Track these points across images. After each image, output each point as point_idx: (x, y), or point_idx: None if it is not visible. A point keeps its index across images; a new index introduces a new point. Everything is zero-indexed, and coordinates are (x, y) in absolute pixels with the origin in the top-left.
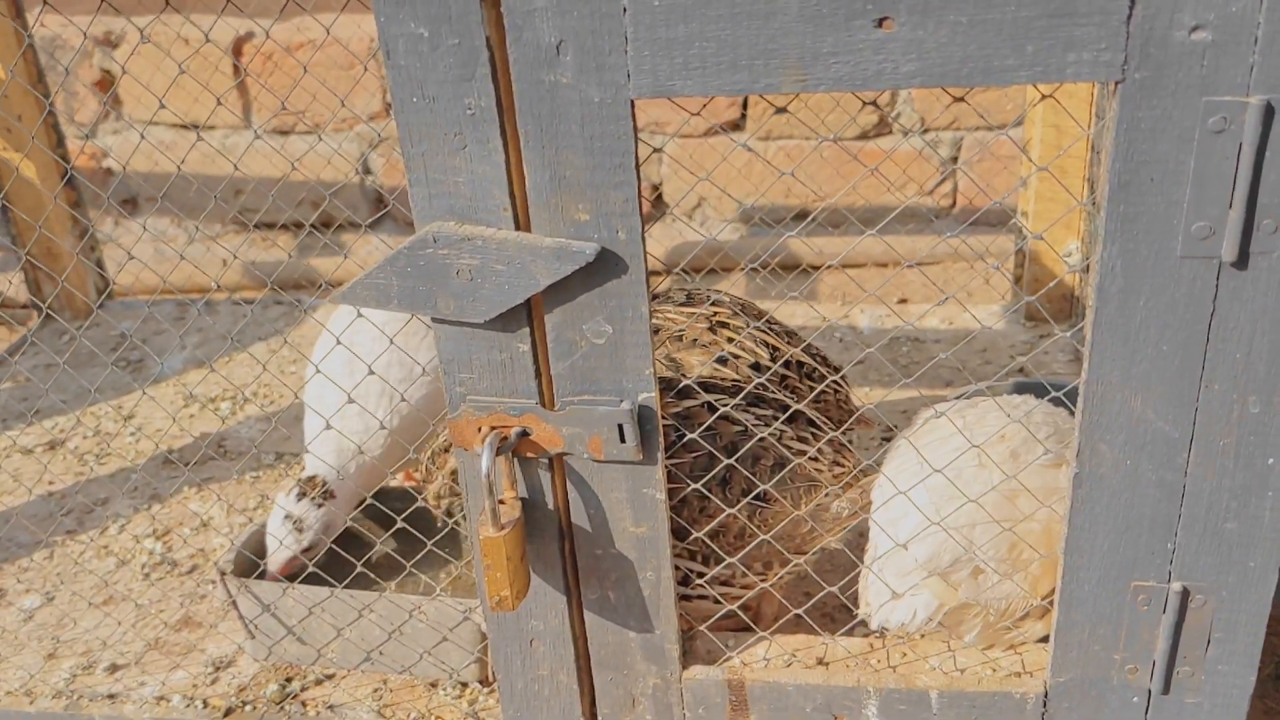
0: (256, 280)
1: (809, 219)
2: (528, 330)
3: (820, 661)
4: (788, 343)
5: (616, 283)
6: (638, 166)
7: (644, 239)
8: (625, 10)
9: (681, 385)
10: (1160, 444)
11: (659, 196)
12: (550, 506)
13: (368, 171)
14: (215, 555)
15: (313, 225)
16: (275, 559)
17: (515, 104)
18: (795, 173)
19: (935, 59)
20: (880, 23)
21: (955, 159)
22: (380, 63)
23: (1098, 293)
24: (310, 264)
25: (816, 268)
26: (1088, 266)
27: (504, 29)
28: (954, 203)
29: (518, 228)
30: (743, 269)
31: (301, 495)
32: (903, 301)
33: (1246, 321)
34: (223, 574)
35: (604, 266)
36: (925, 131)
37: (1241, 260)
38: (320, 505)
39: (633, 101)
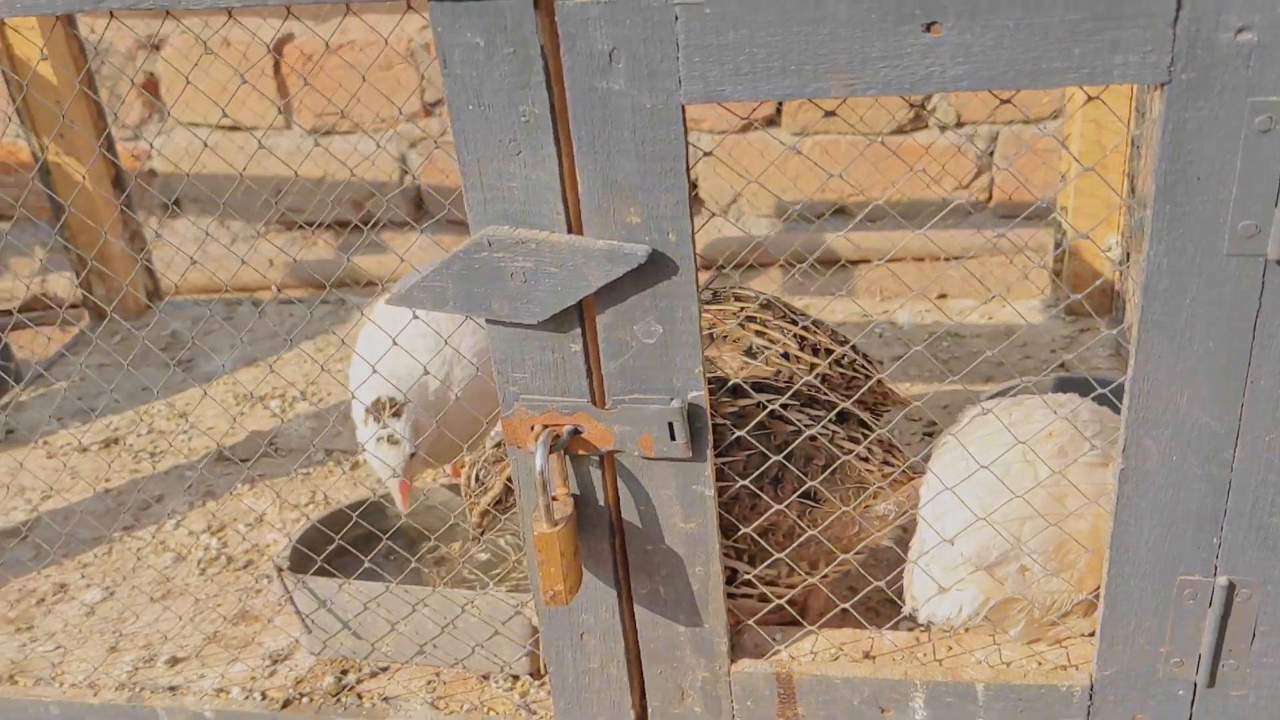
0: (300, 278)
1: (855, 220)
2: (579, 331)
3: (867, 655)
4: (815, 331)
5: (667, 284)
6: (688, 170)
7: (694, 241)
8: (677, 18)
9: (732, 384)
10: (1206, 439)
11: (696, 192)
12: (601, 503)
13: (406, 170)
14: (269, 550)
15: (349, 224)
16: (391, 483)
17: (569, 110)
18: (832, 168)
19: (982, 62)
20: (929, 27)
21: (992, 153)
22: (418, 61)
23: (1144, 291)
24: (353, 261)
25: (855, 263)
26: (1127, 259)
27: (558, 38)
28: (990, 196)
29: (570, 231)
30: (780, 265)
31: (376, 418)
32: (942, 297)
33: None
34: (279, 570)
35: (655, 268)
36: (961, 125)
37: None
38: (398, 414)
39: (683, 107)
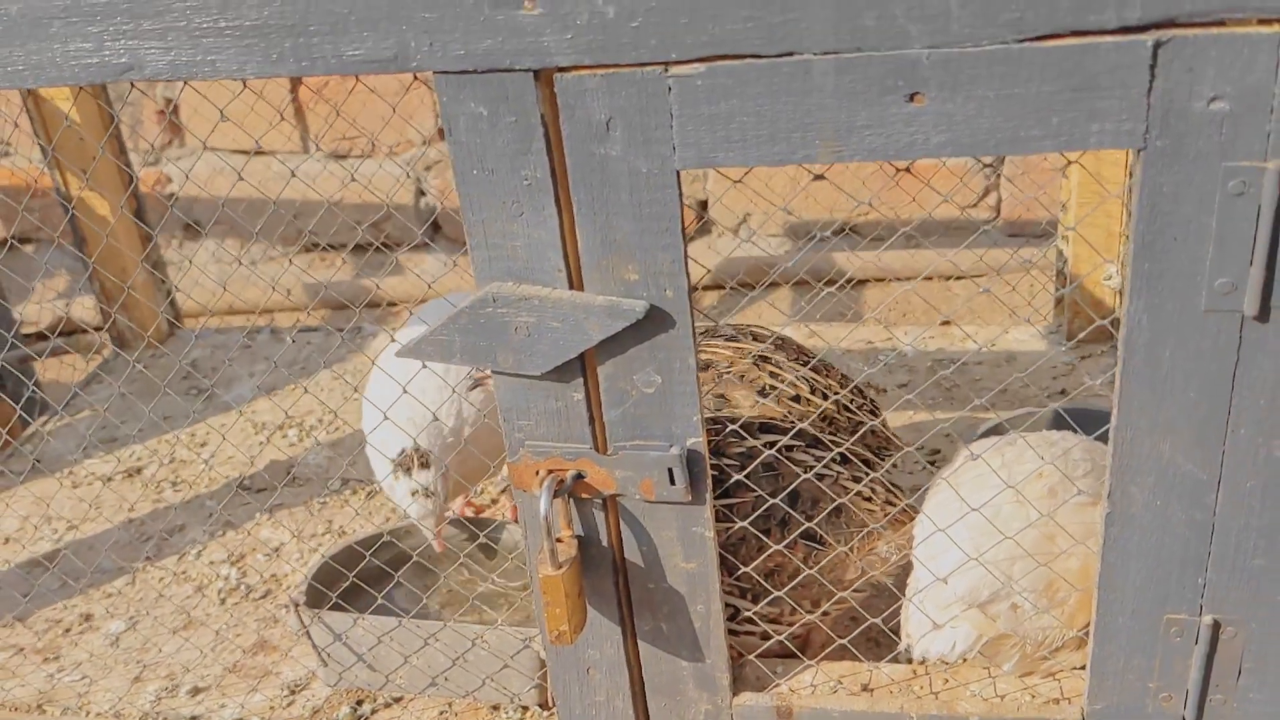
0: (319, 301)
1: (864, 241)
2: (582, 381)
3: (865, 688)
4: (825, 375)
5: (665, 336)
6: (684, 230)
7: (690, 296)
8: (670, 89)
9: (732, 426)
10: (1189, 486)
11: (705, 213)
12: (605, 544)
13: (422, 193)
14: (287, 580)
15: (366, 247)
16: (431, 533)
17: (568, 174)
18: (841, 188)
19: (964, 130)
20: (911, 98)
21: (999, 172)
22: (432, 87)
23: (1125, 344)
24: (368, 284)
25: (863, 282)
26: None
27: (557, 107)
28: (997, 215)
29: (571, 287)
30: (790, 286)
31: (406, 471)
32: (946, 323)
33: (1270, 371)
34: (295, 605)
35: (653, 322)
36: None
37: (1263, 314)
38: (426, 465)
39: (678, 172)
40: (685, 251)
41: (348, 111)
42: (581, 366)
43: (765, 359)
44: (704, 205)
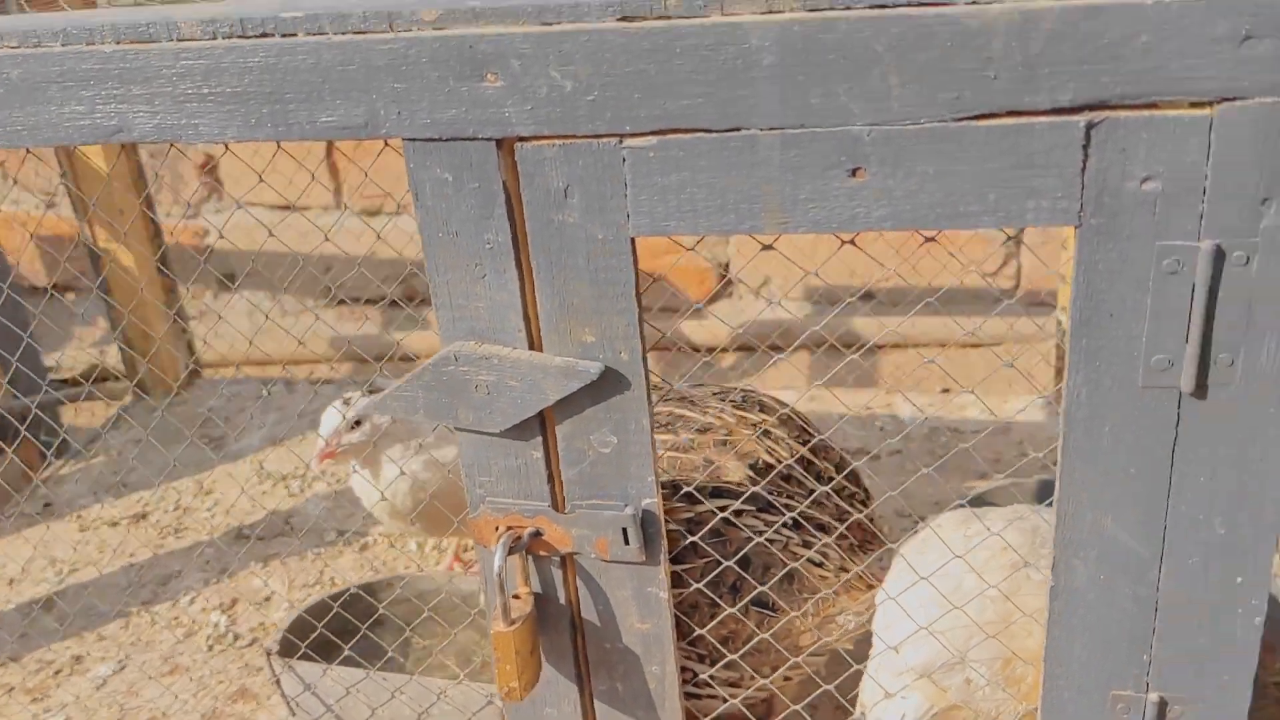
0: (346, 354)
1: (906, 302)
2: (541, 439)
3: None
4: (823, 458)
5: (620, 398)
6: (639, 295)
7: (645, 359)
8: (624, 160)
9: (684, 491)
10: (1132, 561)
11: (727, 275)
12: (563, 602)
13: None
14: (275, 628)
15: (394, 301)
16: (325, 427)
17: (529, 239)
18: (861, 253)
19: (905, 205)
20: (854, 173)
21: (1019, 242)
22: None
23: (1065, 419)
24: (394, 339)
25: (879, 348)
26: None
27: (518, 175)
28: (1017, 284)
29: (532, 347)
30: (807, 348)
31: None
32: (945, 391)
33: (1208, 448)
34: (269, 654)
35: (608, 384)
36: None
37: (1200, 390)
38: (358, 424)
39: (633, 239)
40: (640, 315)
41: (377, 170)
42: (541, 425)
43: (766, 433)
44: (726, 268)
